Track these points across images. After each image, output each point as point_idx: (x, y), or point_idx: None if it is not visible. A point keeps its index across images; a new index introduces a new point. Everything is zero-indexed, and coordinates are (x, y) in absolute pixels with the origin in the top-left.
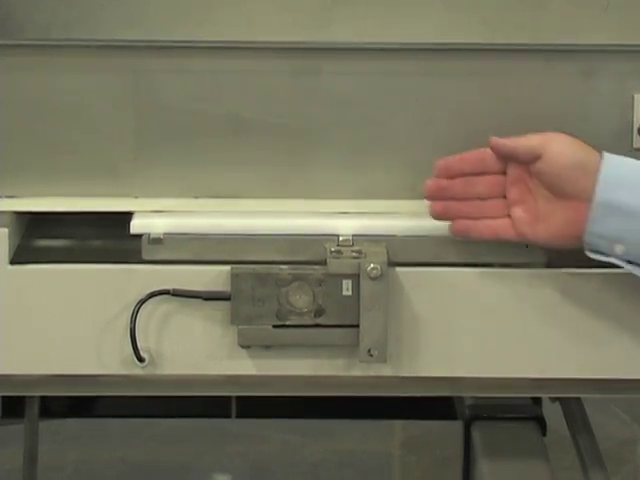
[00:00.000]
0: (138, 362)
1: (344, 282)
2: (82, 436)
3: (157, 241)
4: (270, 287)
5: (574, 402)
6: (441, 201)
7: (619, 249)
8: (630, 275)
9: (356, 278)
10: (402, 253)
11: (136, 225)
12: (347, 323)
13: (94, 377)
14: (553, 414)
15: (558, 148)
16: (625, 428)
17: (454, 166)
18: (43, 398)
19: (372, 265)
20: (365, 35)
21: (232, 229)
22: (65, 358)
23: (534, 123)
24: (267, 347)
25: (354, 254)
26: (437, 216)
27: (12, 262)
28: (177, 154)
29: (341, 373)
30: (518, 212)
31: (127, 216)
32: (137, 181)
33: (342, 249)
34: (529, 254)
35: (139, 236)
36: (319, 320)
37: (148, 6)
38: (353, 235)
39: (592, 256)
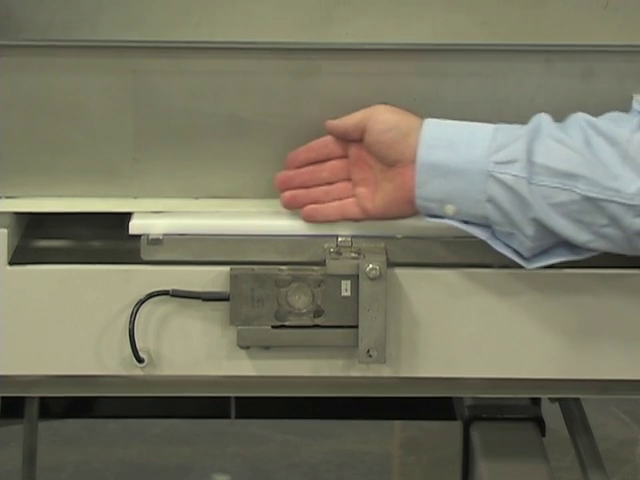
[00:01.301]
0: (137, 363)
1: (343, 283)
2: (81, 436)
3: (156, 242)
4: (269, 288)
5: (573, 402)
6: (290, 191)
7: (450, 210)
8: (630, 275)
9: (355, 279)
10: (401, 254)
11: (135, 226)
12: (346, 324)
13: (93, 378)
14: (552, 414)
15: (378, 117)
16: (624, 428)
17: (301, 156)
18: (42, 398)
19: (371, 266)
20: (364, 35)
21: (231, 230)
22: (64, 359)
23: None
24: (266, 348)
25: (353, 255)
26: (286, 205)
27: (11, 263)
28: (176, 155)
29: (340, 374)
30: (360, 190)
31: (126, 217)
32: (136, 182)
33: (341, 250)
34: None
35: (138, 237)
36: (318, 321)
37: (147, 7)
38: (352, 236)
39: (429, 220)
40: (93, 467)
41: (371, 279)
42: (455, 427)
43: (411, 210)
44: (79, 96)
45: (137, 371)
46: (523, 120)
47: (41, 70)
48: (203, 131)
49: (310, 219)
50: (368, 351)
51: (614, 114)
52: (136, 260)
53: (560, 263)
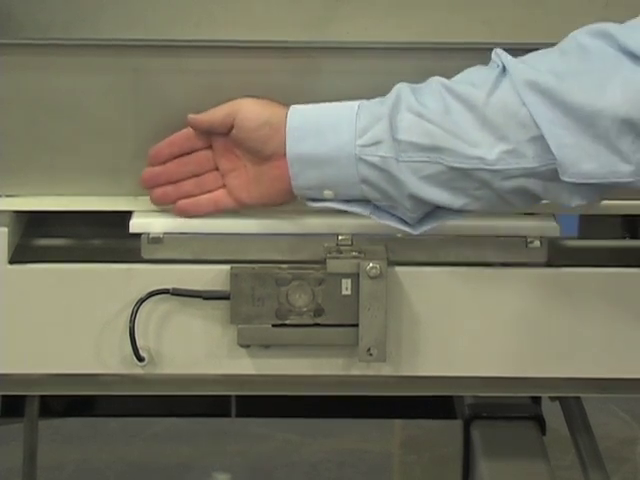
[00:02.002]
0: (138, 361)
1: (343, 281)
2: (82, 435)
3: (157, 240)
4: (270, 286)
5: (573, 401)
6: (159, 187)
7: (328, 194)
8: (630, 274)
9: (355, 277)
10: (401, 252)
11: (136, 224)
12: (346, 322)
13: (94, 376)
14: (552, 413)
15: (245, 113)
16: (625, 427)
17: (163, 151)
18: (43, 397)
19: (371, 264)
20: (365, 34)
21: (232, 228)
22: (65, 357)
23: None
24: (267, 346)
25: (353, 253)
26: (157, 202)
27: (11, 261)
28: None
29: (340, 372)
30: (231, 180)
31: (127, 215)
32: (137, 180)
33: (341, 248)
34: (529, 253)
35: (139, 235)
36: (318, 319)
37: (148, 6)
38: (352, 234)
39: (310, 205)
40: (94, 466)
41: (371, 278)
42: (455, 426)
43: (291, 198)
44: (80, 95)
45: (137, 370)
46: None
47: (42, 69)
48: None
49: (184, 214)
50: (368, 350)
51: (472, 69)
52: (136, 259)
53: (560, 263)
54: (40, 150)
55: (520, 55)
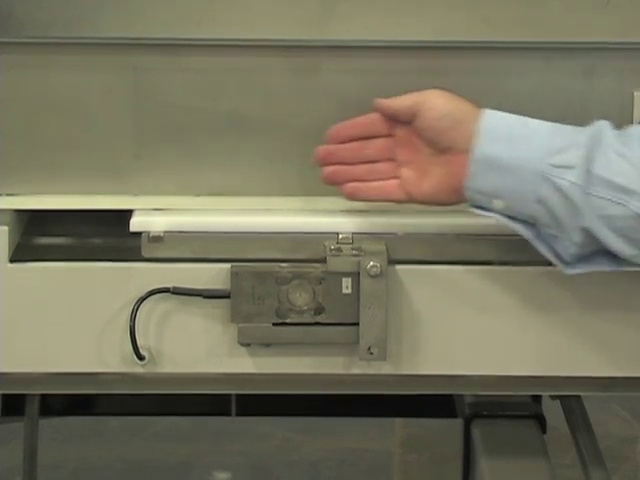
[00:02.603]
0: (138, 360)
1: (344, 280)
2: (82, 434)
3: (157, 239)
4: (270, 285)
5: (574, 400)
6: (331, 166)
7: (498, 204)
8: (630, 273)
9: (356, 276)
10: (402, 251)
11: (136, 223)
12: (347, 321)
13: (94, 375)
14: (553, 412)
15: (431, 102)
16: (625, 426)
17: (344, 131)
18: (43, 396)
19: (372, 263)
20: (365, 33)
21: (232, 227)
22: (65, 356)
23: None
24: (267, 345)
25: (354, 252)
26: (327, 180)
27: (12, 260)
28: (177, 152)
29: (341, 371)
30: (405, 172)
31: (127, 214)
32: (137, 179)
33: (342, 247)
34: (530, 252)
35: (139, 234)
36: (319, 318)
37: (148, 4)
38: (353, 233)
39: (474, 211)
40: (94, 464)
41: (372, 276)
42: (456, 424)
43: (457, 198)
44: (80, 93)
45: (138, 368)
46: None
47: (42, 67)
48: (204, 128)
49: (351, 197)
50: (369, 348)
51: None
52: (137, 257)
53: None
54: (40, 149)
55: (521, 52)
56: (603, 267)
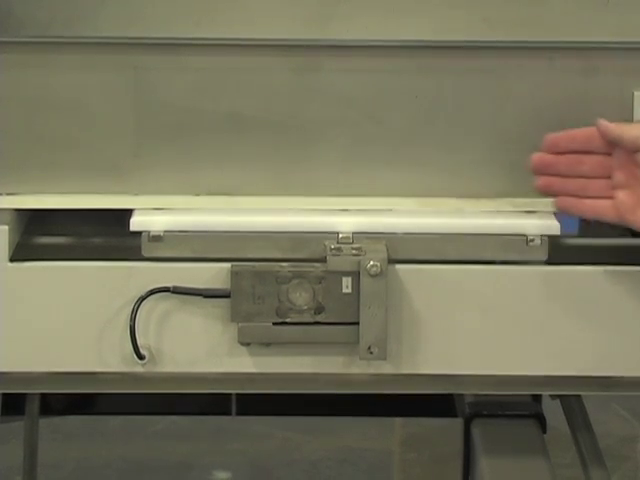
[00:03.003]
0: (138, 359)
1: (344, 279)
2: (82, 433)
3: (157, 238)
4: (270, 284)
5: (574, 399)
6: (545, 176)
7: None
8: (631, 272)
9: (356, 275)
10: (402, 250)
11: (136, 222)
12: (347, 320)
13: (94, 374)
14: (553, 411)
15: None
16: (625, 425)
17: (562, 143)
18: (43, 395)
19: (372, 262)
20: (365, 32)
21: (232, 226)
22: (65, 355)
23: (535, 120)
24: (267, 344)
25: (354, 251)
26: (541, 190)
27: (12, 259)
28: (177, 151)
29: (341, 370)
30: (622, 196)
31: (127, 213)
32: (137, 178)
33: (342, 246)
34: (529, 252)
35: (139, 233)
36: (319, 317)
37: (148, 3)
38: (353, 232)
39: None
40: (94, 464)
41: (372, 276)
42: (456, 424)
43: None
44: (80, 93)
45: (138, 368)
46: (523, 118)
47: (42, 67)
48: (204, 128)
49: (563, 210)
50: (369, 348)
51: None
52: (137, 257)
53: (560, 261)
54: (40, 148)
55: (521, 52)
56: None
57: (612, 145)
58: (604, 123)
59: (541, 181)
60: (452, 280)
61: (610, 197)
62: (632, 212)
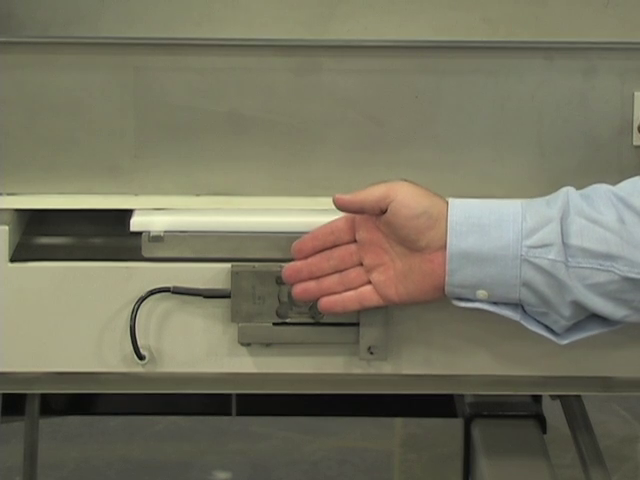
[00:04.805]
0: (138, 360)
1: None
2: (82, 433)
3: (157, 239)
4: (270, 285)
5: (574, 400)
6: (301, 283)
7: (482, 294)
8: None
9: None
10: None
11: (136, 223)
12: (347, 321)
13: (94, 375)
14: (553, 412)
15: (402, 198)
16: (625, 426)
17: (306, 245)
18: (43, 395)
19: None
20: (365, 32)
21: (232, 227)
22: (65, 356)
23: (535, 121)
24: (267, 345)
25: None
26: (300, 298)
27: (12, 260)
28: (177, 152)
29: (341, 371)
30: (377, 276)
31: (127, 214)
32: (137, 179)
33: None
34: None
35: (139, 234)
36: (319, 318)
37: (148, 4)
38: None
39: (457, 304)
40: (94, 464)
41: None
42: (456, 424)
43: (439, 295)
44: (80, 93)
45: (138, 368)
46: (523, 118)
47: (42, 67)
48: (204, 128)
49: (328, 312)
50: (369, 348)
51: (636, 180)
52: (137, 257)
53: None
54: (41, 148)
55: (521, 52)
56: (595, 331)
57: (353, 229)
58: (341, 197)
59: (297, 289)
60: None
61: (369, 282)
62: (393, 288)
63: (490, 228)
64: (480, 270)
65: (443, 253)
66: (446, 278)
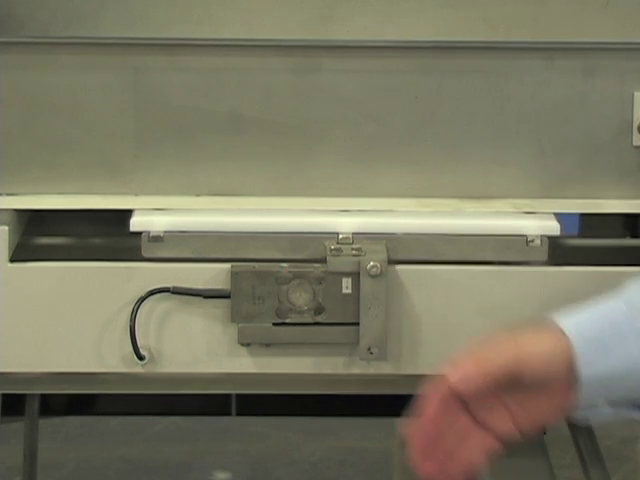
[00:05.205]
0: (138, 360)
1: (344, 280)
2: (82, 434)
3: (157, 239)
4: (270, 285)
5: None
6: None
7: (605, 405)
8: (630, 273)
9: (356, 276)
10: (402, 251)
11: (136, 223)
12: (347, 321)
13: (94, 375)
14: None
15: (535, 362)
16: (625, 426)
17: (423, 430)
18: (43, 396)
19: (372, 263)
20: (365, 32)
21: (232, 227)
22: (65, 356)
23: (534, 121)
24: (267, 345)
25: (354, 252)
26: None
27: (12, 260)
28: (177, 152)
29: (341, 371)
30: (498, 426)
31: (127, 214)
32: (137, 179)
33: (342, 247)
34: (529, 252)
35: (139, 234)
36: (319, 318)
37: (148, 4)
38: (353, 233)
39: (584, 419)
40: (94, 464)
41: (372, 276)
42: None
43: (557, 420)
44: (80, 93)
45: (138, 368)
46: (523, 118)
47: (42, 67)
48: (204, 128)
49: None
50: (369, 348)
51: None
52: (137, 257)
53: (560, 262)
54: (41, 148)
55: (521, 52)
56: None
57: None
58: (457, 382)
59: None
60: (452, 280)
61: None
62: (511, 427)
63: (612, 345)
64: (608, 390)
65: (568, 384)
66: (574, 405)
